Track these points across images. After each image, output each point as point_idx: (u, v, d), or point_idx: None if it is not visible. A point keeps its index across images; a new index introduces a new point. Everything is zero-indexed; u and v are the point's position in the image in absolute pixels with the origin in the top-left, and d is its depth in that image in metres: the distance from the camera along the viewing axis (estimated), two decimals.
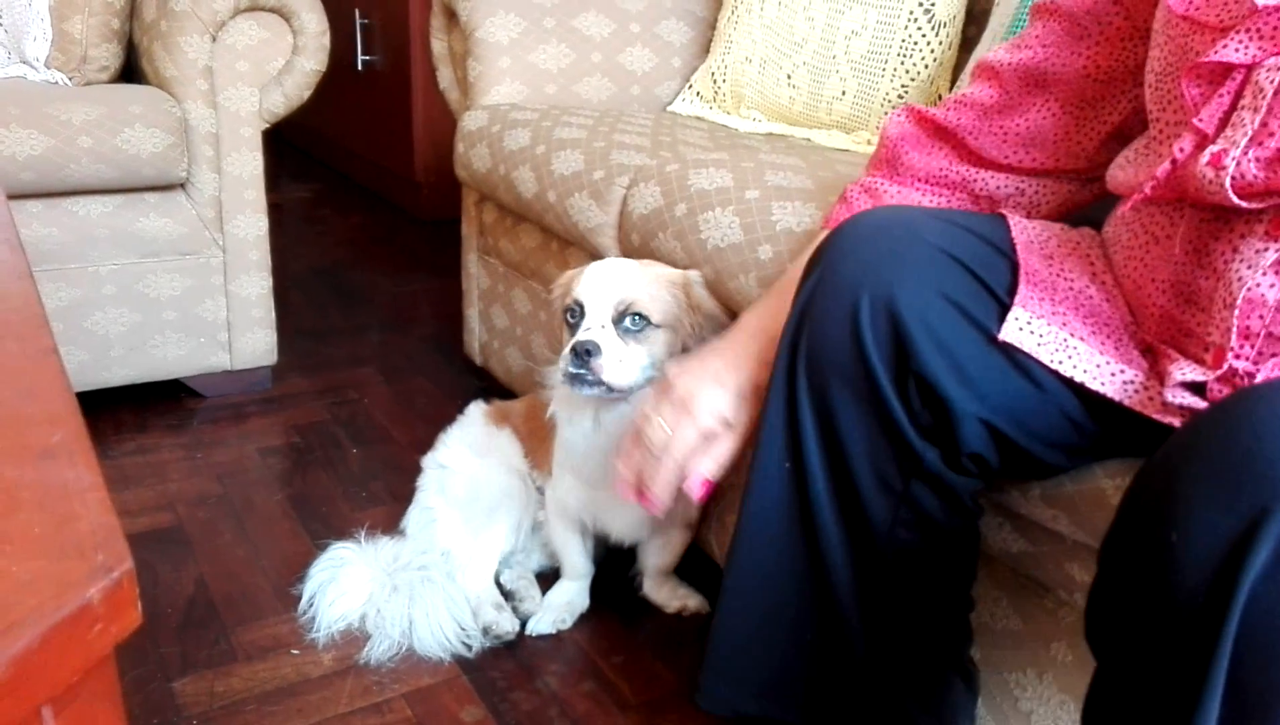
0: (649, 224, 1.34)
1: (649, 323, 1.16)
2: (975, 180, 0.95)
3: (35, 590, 0.42)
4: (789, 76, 1.76)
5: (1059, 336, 0.77)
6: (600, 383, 1.15)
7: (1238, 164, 0.65)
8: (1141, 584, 0.55)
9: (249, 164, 1.86)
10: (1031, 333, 0.77)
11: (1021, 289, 0.78)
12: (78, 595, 0.42)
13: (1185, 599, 0.51)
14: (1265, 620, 0.48)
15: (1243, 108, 0.66)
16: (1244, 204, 0.66)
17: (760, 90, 1.81)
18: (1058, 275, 0.81)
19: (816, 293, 0.84)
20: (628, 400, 1.20)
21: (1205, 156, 0.67)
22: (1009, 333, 0.77)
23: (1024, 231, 0.85)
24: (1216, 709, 0.49)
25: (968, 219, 0.85)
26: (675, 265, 1.32)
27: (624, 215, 1.40)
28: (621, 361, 1.15)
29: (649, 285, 1.17)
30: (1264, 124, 0.64)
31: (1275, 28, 0.65)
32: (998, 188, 0.94)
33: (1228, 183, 0.65)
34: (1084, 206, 0.98)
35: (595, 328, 1.16)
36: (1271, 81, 0.64)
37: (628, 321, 1.16)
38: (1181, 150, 0.69)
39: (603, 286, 1.17)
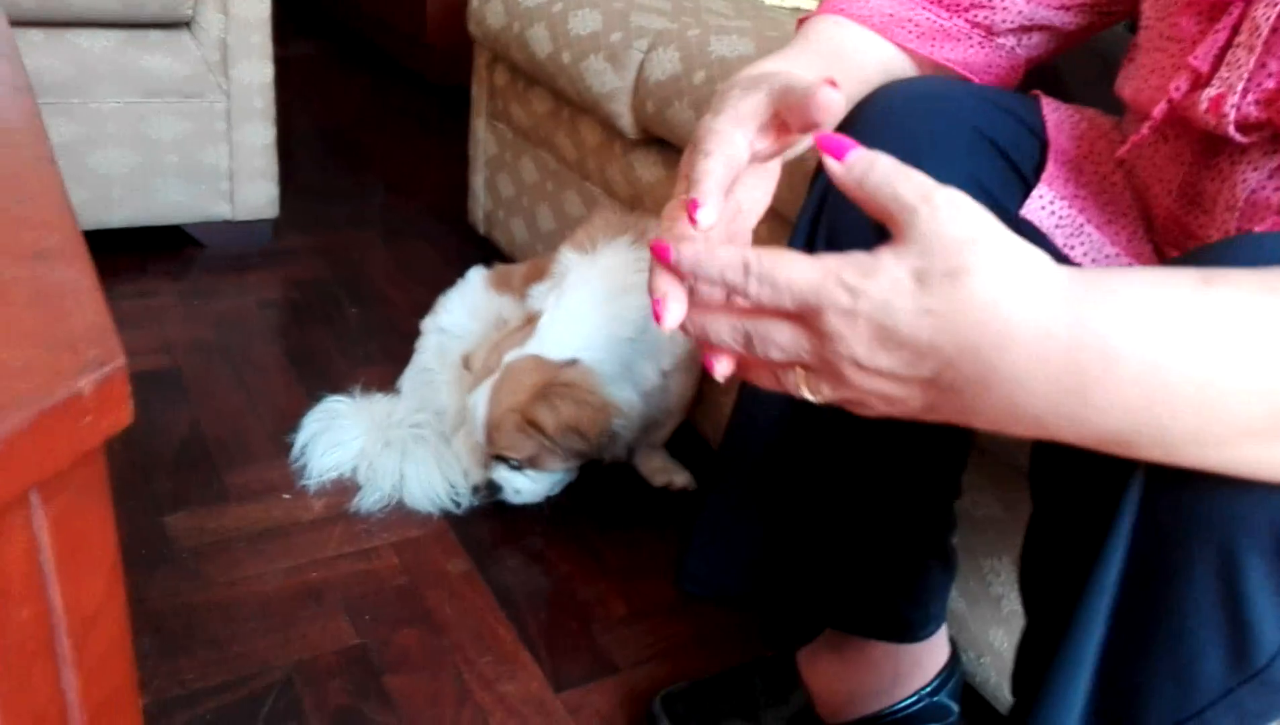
0: (665, 91, 1.31)
1: (518, 460, 1.24)
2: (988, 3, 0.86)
3: (27, 377, 0.42)
4: None
5: (1076, 221, 0.76)
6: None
7: (1237, 108, 0.63)
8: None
9: (256, 6, 1.80)
10: (1052, 213, 0.76)
11: (1050, 167, 0.77)
12: (69, 385, 0.42)
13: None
14: (1178, 481, 0.49)
15: (1238, 45, 0.64)
16: (1246, 139, 0.65)
17: None
18: (1085, 157, 0.80)
19: None
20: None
21: (1204, 102, 0.65)
22: (1031, 210, 0.76)
23: (1055, 111, 0.83)
24: (1126, 537, 0.51)
25: (1003, 97, 0.82)
26: (688, 138, 1.29)
27: (640, 81, 1.37)
28: (519, 492, 1.27)
29: (505, 431, 1.22)
30: (1261, 64, 0.62)
31: None
32: (1004, 20, 0.87)
33: (1230, 129, 0.64)
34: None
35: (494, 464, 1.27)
36: (1268, 19, 0.62)
37: (512, 462, 1.25)
38: (1178, 89, 0.68)
39: (479, 436, 1.26)
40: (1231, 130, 0.64)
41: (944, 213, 0.46)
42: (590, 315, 1.24)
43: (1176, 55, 0.72)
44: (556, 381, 1.20)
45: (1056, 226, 0.76)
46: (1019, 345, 0.44)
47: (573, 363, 1.22)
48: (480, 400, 1.23)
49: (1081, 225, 0.76)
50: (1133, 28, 0.84)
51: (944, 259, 0.45)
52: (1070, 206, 0.76)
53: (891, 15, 0.84)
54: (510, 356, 1.24)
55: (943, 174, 0.77)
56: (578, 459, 1.26)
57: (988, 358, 0.45)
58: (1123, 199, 0.79)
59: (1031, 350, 0.44)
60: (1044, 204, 0.76)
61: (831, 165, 0.50)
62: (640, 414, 1.29)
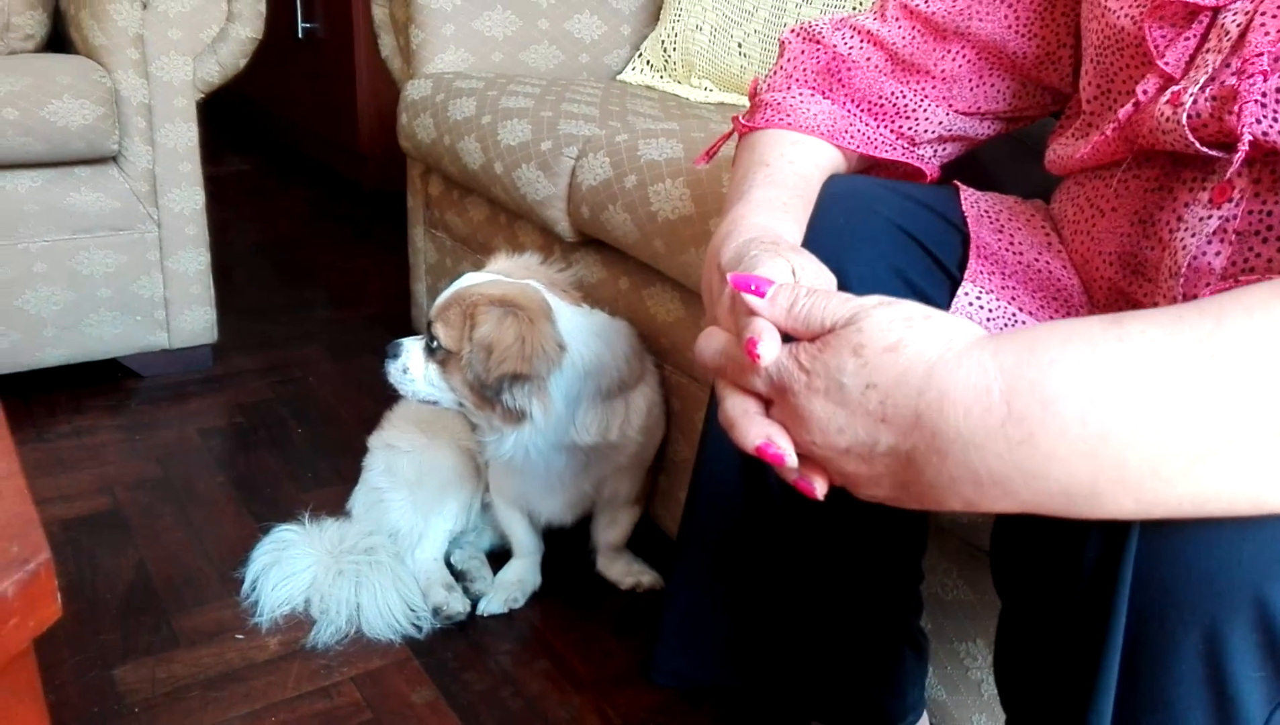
0: (598, 196, 1.32)
1: (440, 345, 1.18)
2: (912, 112, 0.90)
3: None
4: (740, 45, 1.74)
5: (1008, 311, 0.77)
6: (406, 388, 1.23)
7: (1194, 100, 0.64)
8: (1039, 534, 0.56)
9: (184, 136, 1.80)
10: (981, 307, 0.76)
11: (971, 263, 0.78)
12: None
13: (1078, 543, 0.52)
14: (1155, 562, 0.48)
15: (1208, 50, 0.65)
16: (1200, 146, 0.64)
17: (711, 59, 1.79)
18: (1008, 248, 0.81)
19: None
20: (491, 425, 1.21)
21: (1166, 95, 0.66)
22: (959, 308, 0.76)
23: (975, 204, 0.84)
24: (1120, 645, 0.50)
25: (920, 192, 0.84)
26: (624, 240, 1.30)
27: (573, 187, 1.38)
28: (405, 374, 1.22)
29: (456, 310, 1.17)
30: (1225, 63, 0.63)
31: None
32: (925, 131, 0.91)
33: (1184, 119, 0.64)
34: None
35: (411, 342, 1.23)
36: (1237, 24, 0.63)
37: (434, 341, 1.19)
38: (1145, 92, 0.68)
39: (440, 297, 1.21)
40: (1185, 125, 0.64)
41: (879, 309, 0.50)
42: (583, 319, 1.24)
43: (1126, 100, 0.72)
44: (523, 302, 1.15)
45: (989, 320, 0.77)
46: (957, 404, 0.46)
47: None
48: (463, 279, 1.22)
49: (1014, 314, 0.77)
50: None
51: (881, 337, 0.48)
52: (999, 298, 0.77)
53: (834, 125, 0.89)
54: (508, 267, 1.26)
55: (867, 267, 0.78)
56: (471, 397, 1.18)
57: (931, 422, 0.46)
58: (1054, 281, 0.80)
59: (970, 407, 0.45)
60: (971, 300, 0.77)
61: (754, 302, 0.53)
62: (596, 425, 1.22)
